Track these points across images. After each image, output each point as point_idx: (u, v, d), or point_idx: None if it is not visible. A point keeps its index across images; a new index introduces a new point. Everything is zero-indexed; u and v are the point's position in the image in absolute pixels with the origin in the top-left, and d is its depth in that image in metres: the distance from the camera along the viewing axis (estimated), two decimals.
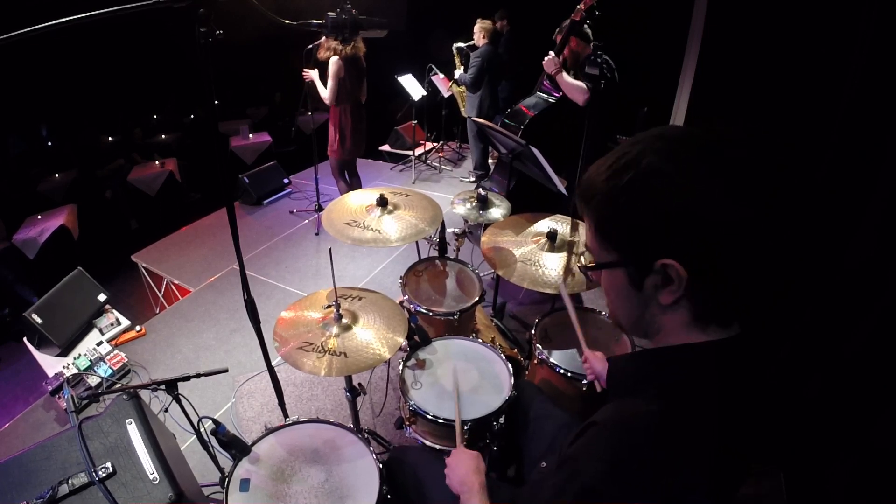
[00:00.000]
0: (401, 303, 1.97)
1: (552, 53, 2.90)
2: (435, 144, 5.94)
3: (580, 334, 1.48)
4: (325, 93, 3.53)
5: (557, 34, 3.01)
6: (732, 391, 0.66)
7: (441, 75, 5.18)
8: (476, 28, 4.52)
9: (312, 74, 3.63)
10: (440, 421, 1.48)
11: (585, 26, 2.88)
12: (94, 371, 2.47)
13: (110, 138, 7.08)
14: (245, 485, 1.30)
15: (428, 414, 1.49)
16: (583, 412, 1.55)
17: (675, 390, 0.66)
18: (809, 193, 1.90)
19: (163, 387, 1.49)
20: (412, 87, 5.23)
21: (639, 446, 0.62)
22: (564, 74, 2.88)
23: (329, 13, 1.30)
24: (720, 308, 0.66)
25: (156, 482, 1.33)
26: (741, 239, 0.60)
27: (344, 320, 1.52)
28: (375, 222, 1.92)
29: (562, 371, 1.68)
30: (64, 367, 2.46)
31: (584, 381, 1.63)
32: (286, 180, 5.19)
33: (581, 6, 2.72)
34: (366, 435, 1.51)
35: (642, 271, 0.66)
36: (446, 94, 5.25)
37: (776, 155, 0.61)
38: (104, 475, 1.30)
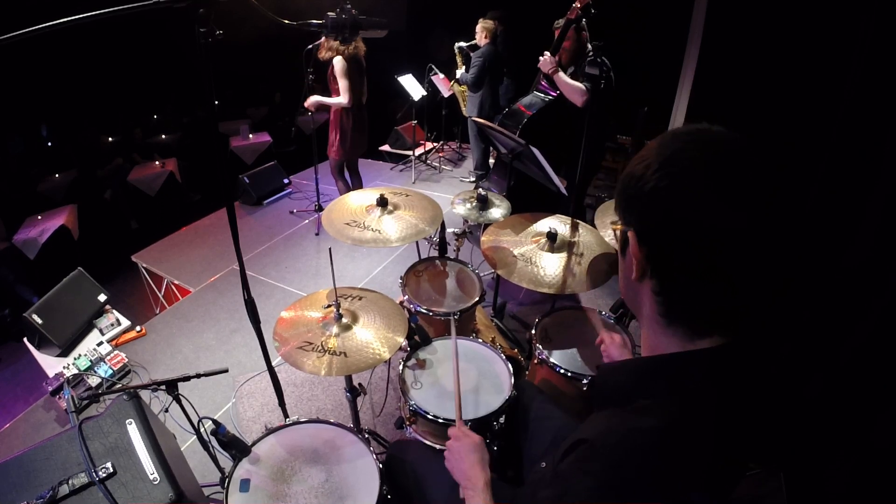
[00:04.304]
0: (401, 303, 1.97)
1: (548, 54, 2.88)
2: (435, 144, 5.94)
3: (597, 321, 1.49)
4: (341, 98, 3.44)
5: (556, 30, 3.00)
6: (726, 401, 0.66)
7: (441, 75, 5.18)
8: (478, 28, 4.52)
9: (314, 100, 3.56)
10: (441, 421, 1.48)
11: (583, 23, 2.86)
12: (95, 371, 2.47)
13: (110, 138, 7.08)
14: (245, 485, 1.30)
15: (428, 414, 1.49)
16: (583, 412, 1.55)
17: (665, 404, 0.65)
18: (809, 193, 1.90)
19: (163, 387, 1.49)
20: (412, 87, 5.23)
21: (630, 465, 0.61)
22: (562, 74, 2.87)
23: (329, 13, 1.30)
24: (682, 308, 0.67)
25: (156, 482, 1.33)
26: (709, 239, 0.60)
27: (344, 320, 1.52)
28: (375, 222, 1.92)
29: (562, 371, 1.68)
30: (64, 368, 2.46)
31: (585, 381, 1.63)
32: (286, 180, 5.19)
33: (577, 4, 2.72)
34: (366, 435, 1.51)
35: (623, 239, 0.70)
36: (446, 94, 5.25)
37: (767, 161, 0.61)
38: (104, 475, 1.30)
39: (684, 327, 0.67)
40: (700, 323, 0.66)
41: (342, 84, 3.40)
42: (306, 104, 3.60)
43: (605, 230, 1.84)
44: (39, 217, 5.32)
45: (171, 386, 1.50)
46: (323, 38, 3.42)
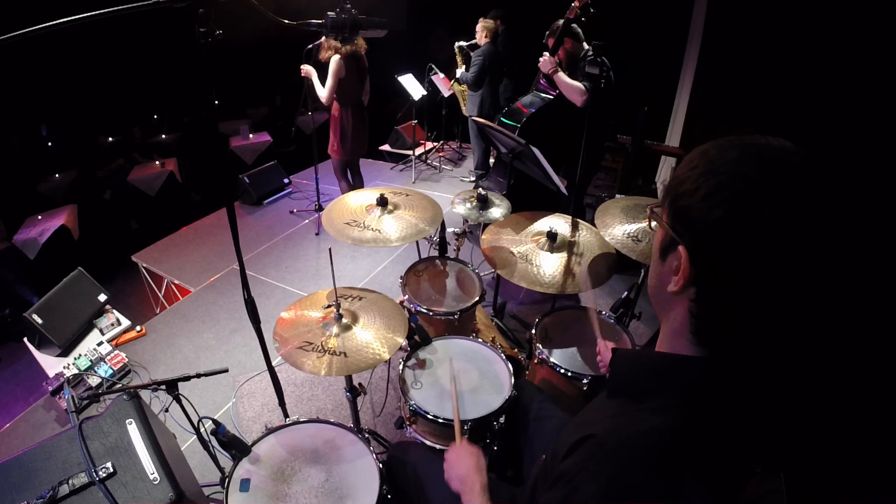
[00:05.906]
0: (401, 302, 1.97)
1: (547, 54, 2.88)
2: (435, 144, 5.93)
3: (596, 325, 1.47)
4: (323, 92, 3.45)
5: (549, 37, 3.00)
6: (736, 404, 0.66)
7: (441, 75, 5.17)
8: (478, 27, 4.52)
9: (309, 69, 3.53)
10: (441, 421, 1.48)
11: (577, 25, 2.86)
12: (95, 371, 2.47)
13: (110, 138, 7.07)
14: (245, 485, 1.31)
15: (428, 414, 1.49)
16: None
17: (677, 404, 0.65)
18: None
19: (163, 387, 1.49)
20: (412, 86, 5.23)
21: (638, 466, 0.61)
22: (561, 74, 2.86)
23: (329, 13, 1.30)
24: (716, 335, 0.66)
25: (156, 482, 1.33)
26: (759, 268, 0.58)
27: (344, 320, 1.52)
28: (375, 222, 1.92)
29: (562, 371, 1.68)
30: (64, 368, 2.46)
31: (585, 381, 1.63)
32: (286, 180, 5.19)
33: (576, 3, 2.72)
34: (366, 435, 1.51)
35: (669, 245, 0.67)
36: (447, 94, 5.25)
37: (836, 194, 0.60)
38: (104, 475, 1.30)
39: (711, 350, 0.66)
40: (730, 347, 0.66)
41: (329, 82, 3.38)
42: (301, 68, 3.55)
43: (606, 230, 1.84)
44: (39, 217, 5.31)
45: (171, 386, 1.50)
46: (323, 38, 3.41)
